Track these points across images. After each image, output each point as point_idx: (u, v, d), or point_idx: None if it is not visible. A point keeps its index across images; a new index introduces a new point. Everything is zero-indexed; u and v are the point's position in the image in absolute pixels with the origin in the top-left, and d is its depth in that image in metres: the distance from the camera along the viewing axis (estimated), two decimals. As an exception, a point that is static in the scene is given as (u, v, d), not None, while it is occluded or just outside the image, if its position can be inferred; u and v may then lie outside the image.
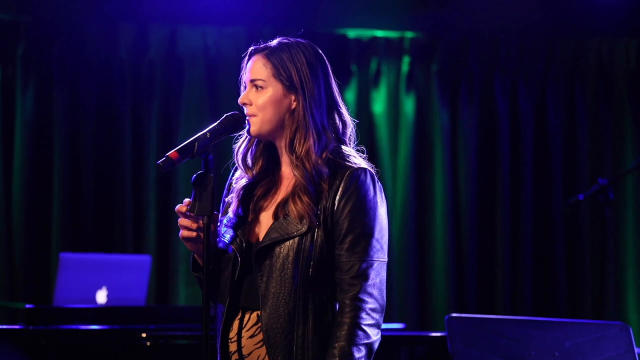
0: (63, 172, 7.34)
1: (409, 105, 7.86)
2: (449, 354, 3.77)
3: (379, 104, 7.84)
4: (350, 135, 3.06)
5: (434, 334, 5.61)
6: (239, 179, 3.08)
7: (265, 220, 2.99)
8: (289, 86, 2.98)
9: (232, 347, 2.99)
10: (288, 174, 3.01)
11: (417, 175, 7.83)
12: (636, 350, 3.77)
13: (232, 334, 2.99)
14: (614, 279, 7.82)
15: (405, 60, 7.89)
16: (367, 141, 7.50)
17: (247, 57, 3.04)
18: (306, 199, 2.92)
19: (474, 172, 7.87)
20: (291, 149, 2.97)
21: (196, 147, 2.90)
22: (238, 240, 2.98)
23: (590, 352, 3.72)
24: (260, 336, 2.94)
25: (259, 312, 2.94)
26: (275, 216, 2.96)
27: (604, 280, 7.79)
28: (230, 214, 3.04)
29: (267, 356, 2.93)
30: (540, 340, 3.71)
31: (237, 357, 2.98)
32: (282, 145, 3.01)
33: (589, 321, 4.10)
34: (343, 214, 2.92)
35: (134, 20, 7.54)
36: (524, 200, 7.89)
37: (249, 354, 2.97)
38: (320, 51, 3.05)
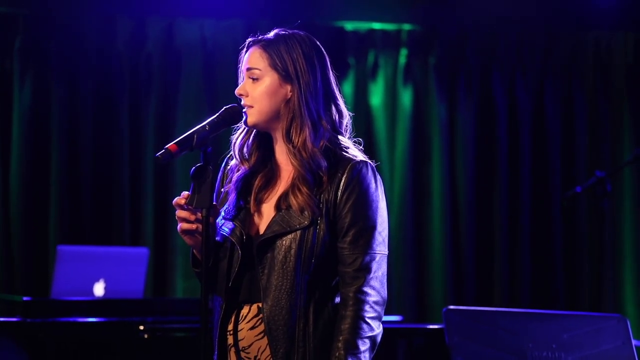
0: (61, 165, 7.34)
1: (406, 97, 7.86)
2: (446, 346, 3.77)
3: (376, 97, 7.84)
4: (347, 125, 3.07)
5: (431, 327, 5.63)
6: (234, 169, 3.08)
7: (267, 212, 3.00)
8: (285, 76, 2.99)
9: (231, 339, 2.99)
10: (284, 164, 3.02)
11: (414, 168, 7.84)
12: (633, 342, 3.78)
13: (231, 326, 2.99)
14: (612, 272, 7.83)
15: (403, 53, 7.89)
16: (365, 134, 7.50)
17: (245, 49, 3.05)
18: (305, 189, 2.93)
19: (472, 165, 7.87)
20: (288, 139, 2.98)
21: (195, 139, 2.90)
22: (238, 232, 2.98)
23: (588, 344, 3.72)
24: (260, 327, 2.95)
25: (259, 304, 2.94)
26: (278, 208, 2.96)
27: (601, 272, 7.80)
28: (229, 205, 3.04)
29: (268, 347, 2.93)
30: (538, 332, 3.71)
31: (236, 349, 2.99)
32: (278, 136, 3.01)
33: (587, 313, 4.10)
34: (345, 207, 2.93)
35: (131, 13, 7.53)
36: (522, 193, 7.89)
37: (249, 345, 2.97)
38: (317, 42, 3.05)
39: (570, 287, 7.92)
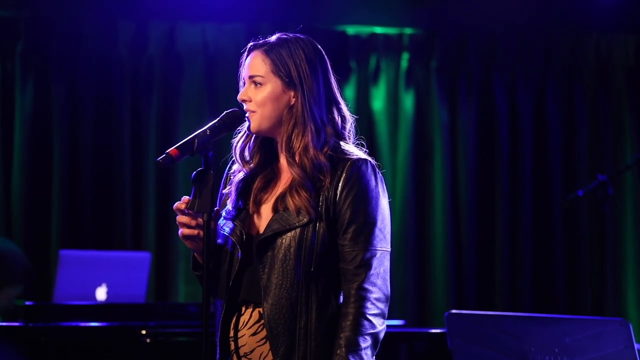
0: (62, 169, 7.34)
1: (408, 101, 7.86)
2: (448, 350, 3.77)
3: (378, 101, 7.84)
4: (350, 130, 3.07)
5: (433, 331, 5.63)
6: (237, 172, 3.08)
7: (265, 212, 2.99)
8: (288, 82, 2.98)
9: (233, 345, 2.99)
10: (286, 167, 3.01)
11: (416, 171, 7.83)
12: (636, 346, 3.77)
13: (233, 332, 2.99)
14: (613, 275, 7.82)
15: (405, 57, 7.89)
16: (367, 138, 7.39)
17: (245, 53, 3.04)
18: (304, 193, 2.93)
19: (473, 168, 7.87)
20: (288, 146, 2.97)
21: (196, 144, 2.90)
22: (238, 232, 2.98)
23: (590, 348, 3.72)
24: (262, 333, 2.94)
25: (260, 310, 2.93)
26: (275, 209, 2.96)
27: (603, 276, 7.79)
28: (229, 206, 3.04)
29: (270, 353, 2.93)
30: (540, 336, 3.71)
31: (238, 355, 2.98)
32: (280, 141, 3.01)
33: (589, 317, 4.10)
34: (345, 204, 2.92)
35: (133, 16, 7.53)
36: (523, 196, 7.88)
37: (251, 351, 2.96)
38: (319, 46, 3.05)
39: (572, 291, 7.91)
